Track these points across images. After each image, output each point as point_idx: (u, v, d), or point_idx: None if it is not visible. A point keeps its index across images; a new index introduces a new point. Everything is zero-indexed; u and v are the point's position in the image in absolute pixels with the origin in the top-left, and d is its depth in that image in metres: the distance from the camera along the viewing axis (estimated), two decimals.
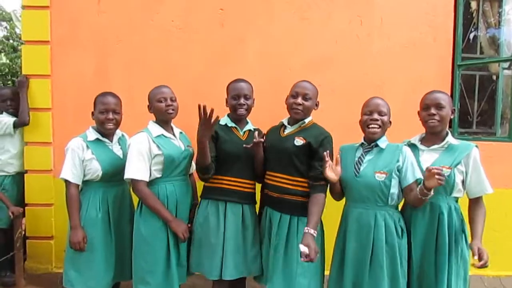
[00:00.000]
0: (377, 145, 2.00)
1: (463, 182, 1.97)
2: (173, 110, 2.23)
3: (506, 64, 3.43)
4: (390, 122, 2.04)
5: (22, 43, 3.24)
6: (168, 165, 2.16)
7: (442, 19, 3.17)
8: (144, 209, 2.16)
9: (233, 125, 2.27)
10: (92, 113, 2.29)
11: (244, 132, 2.29)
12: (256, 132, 2.20)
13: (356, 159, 2.03)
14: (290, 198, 2.11)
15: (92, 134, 2.27)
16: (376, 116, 1.98)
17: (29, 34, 3.12)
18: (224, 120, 2.29)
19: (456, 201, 2.02)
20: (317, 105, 2.21)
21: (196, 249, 2.23)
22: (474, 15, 3.48)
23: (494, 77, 3.50)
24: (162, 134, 2.21)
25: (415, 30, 3.16)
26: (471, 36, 3.50)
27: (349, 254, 1.98)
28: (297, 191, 2.10)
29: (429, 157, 2.01)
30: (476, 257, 1.80)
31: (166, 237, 2.15)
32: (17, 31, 9.78)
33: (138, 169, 2.11)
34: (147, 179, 2.14)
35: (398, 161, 1.93)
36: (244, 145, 2.15)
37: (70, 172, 2.17)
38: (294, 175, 2.11)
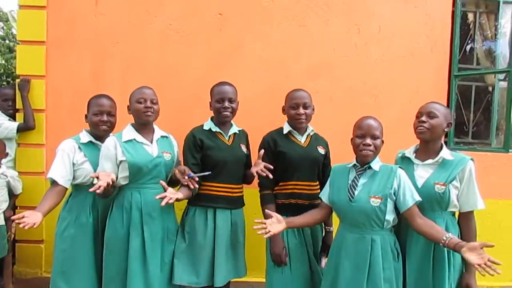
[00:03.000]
0: (370, 167, 1.93)
1: (458, 196, 1.94)
2: (151, 113, 2.11)
3: (502, 76, 3.46)
4: (383, 141, 1.97)
5: (18, 44, 3.21)
6: (133, 172, 2.05)
7: (439, 30, 3.20)
8: (112, 214, 2.11)
9: (218, 129, 2.23)
10: (86, 115, 2.23)
11: (229, 136, 2.27)
12: (262, 151, 2.16)
13: (350, 182, 1.95)
14: (314, 202, 2.19)
15: (85, 137, 2.20)
16: (368, 141, 1.89)
17: (24, 34, 3.10)
18: (208, 124, 2.24)
19: (453, 215, 1.99)
20: (313, 109, 2.25)
21: (181, 259, 2.16)
22: (471, 27, 3.52)
23: (490, 89, 3.53)
24: (134, 139, 2.11)
25: (413, 40, 3.18)
26: (468, 47, 3.53)
27: (344, 276, 1.90)
28: (317, 195, 2.19)
29: (424, 172, 1.96)
30: None
31: (126, 247, 2.05)
32: (14, 31, 9.72)
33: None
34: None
35: (393, 185, 1.87)
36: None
37: (58, 173, 2.08)
38: (316, 181, 2.25)
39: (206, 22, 3.11)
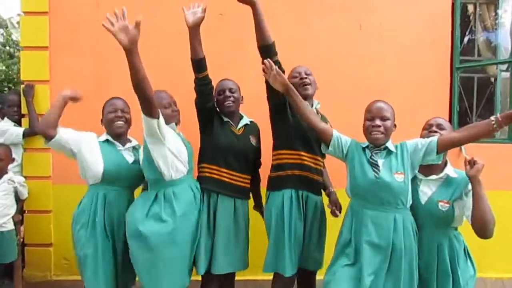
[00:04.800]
0: (386, 148, 1.94)
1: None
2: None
3: (504, 67, 3.46)
4: (395, 125, 1.97)
5: (18, 50, 3.23)
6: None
7: (440, 22, 3.20)
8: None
9: (227, 119, 2.30)
10: (101, 120, 2.26)
11: (240, 127, 2.31)
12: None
13: (369, 160, 1.93)
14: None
15: (103, 136, 2.24)
16: (378, 122, 1.89)
17: (28, 40, 3.11)
18: (224, 118, 2.33)
19: (456, 229, 1.98)
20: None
21: None
22: (471, 18, 3.51)
23: (492, 79, 3.53)
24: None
25: (414, 34, 3.18)
26: (468, 39, 3.53)
27: (365, 256, 1.86)
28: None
29: (427, 189, 1.95)
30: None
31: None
32: (14, 37, 9.76)
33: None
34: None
35: (409, 156, 1.90)
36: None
37: (65, 130, 2.19)
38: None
39: (208, 22, 3.10)
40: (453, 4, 3.22)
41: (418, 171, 1.98)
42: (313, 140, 2.19)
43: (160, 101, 2.13)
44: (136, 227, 1.98)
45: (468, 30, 3.53)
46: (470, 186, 1.80)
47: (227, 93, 2.26)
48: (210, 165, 2.22)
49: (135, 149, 2.33)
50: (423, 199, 1.93)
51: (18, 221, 2.82)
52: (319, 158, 2.25)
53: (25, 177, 3.05)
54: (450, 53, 3.23)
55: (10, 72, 8.90)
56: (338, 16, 3.15)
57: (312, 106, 2.26)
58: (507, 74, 3.19)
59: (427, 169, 1.97)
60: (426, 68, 3.18)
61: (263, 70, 2.04)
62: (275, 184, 2.21)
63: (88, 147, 2.15)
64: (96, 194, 2.14)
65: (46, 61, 3.09)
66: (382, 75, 3.15)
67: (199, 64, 2.14)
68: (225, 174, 2.21)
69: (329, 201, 2.32)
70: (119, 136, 2.24)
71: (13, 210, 2.78)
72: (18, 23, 9.51)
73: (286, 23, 3.14)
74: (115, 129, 2.20)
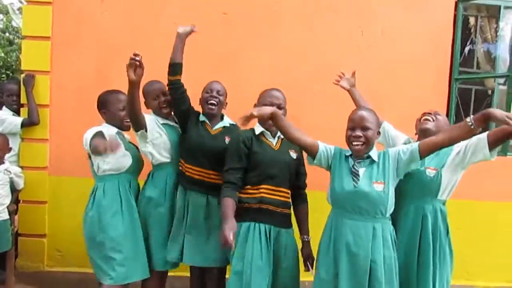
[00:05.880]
0: (369, 156, 1.92)
1: (451, 183, 1.96)
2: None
3: (501, 80, 3.50)
4: (379, 132, 1.95)
5: (18, 37, 3.23)
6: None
7: (441, 33, 3.23)
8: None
9: (204, 119, 2.36)
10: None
11: (216, 128, 2.36)
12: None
13: (351, 168, 1.91)
14: (284, 211, 2.14)
15: (110, 128, 2.31)
16: (358, 132, 1.86)
17: (30, 29, 3.10)
18: (201, 116, 2.38)
19: (443, 204, 2.01)
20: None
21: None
22: (472, 31, 3.55)
23: (490, 92, 3.57)
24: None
25: (415, 42, 3.21)
26: (468, 51, 3.57)
27: (343, 267, 1.86)
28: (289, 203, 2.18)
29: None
30: None
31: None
32: (14, 24, 9.67)
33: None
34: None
35: (390, 164, 1.89)
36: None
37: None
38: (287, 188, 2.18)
39: (211, 21, 3.13)
40: (455, 16, 3.26)
41: None
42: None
43: (149, 94, 2.39)
44: None
45: (469, 41, 3.57)
46: (457, 148, 1.90)
47: (214, 93, 2.32)
48: (184, 162, 2.31)
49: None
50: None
51: (13, 210, 2.82)
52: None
53: (21, 167, 3.05)
54: (450, 63, 3.27)
55: (8, 59, 8.83)
56: (341, 23, 3.17)
57: (277, 133, 2.19)
58: (504, 88, 3.22)
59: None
60: (426, 77, 3.22)
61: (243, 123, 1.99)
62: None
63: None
64: (123, 182, 2.29)
65: (48, 51, 3.08)
66: (382, 83, 3.17)
67: (175, 68, 2.27)
68: (195, 172, 2.28)
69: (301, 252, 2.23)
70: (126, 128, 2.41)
71: (8, 200, 2.78)
72: (19, 9, 9.43)
73: (290, 25, 3.16)
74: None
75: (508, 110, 3.02)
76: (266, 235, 2.03)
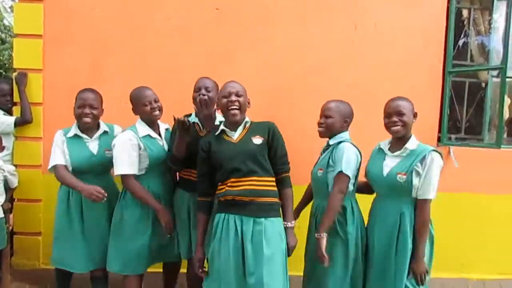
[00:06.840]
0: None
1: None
2: (159, 111, 2.39)
3: (495, 72, 3.50)
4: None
5: (10, 35, 3.21)
6: (152, 164, 2.35)
7: (434, 25, 3.23)
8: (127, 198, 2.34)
9: (196, 120, 2.37)
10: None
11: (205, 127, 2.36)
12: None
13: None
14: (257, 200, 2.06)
15: (73, 130, 2.44)
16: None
17: (21, 27, 3.08)
18: (192, 118, 2.41)
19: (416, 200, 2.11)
20: (248, 102, 2.19)
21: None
22: (465, 23, 3.55)
23: (483, 85, 3.57)
24: (149, 135, 2.38)
25: (408, 36, 3.21)
26: (462, 44, 3.56)
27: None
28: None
29: (390, 162, 2.14)
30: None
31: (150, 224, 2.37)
32: (6, 22, 9.57)
33: (126, 164, 2.25)
34: (136, 172, 2.29)
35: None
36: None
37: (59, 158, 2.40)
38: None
39: (205, 17, 3.11)
40: (448, 9, 3.26)
41: (387, 149, 2.18)
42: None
43: (138, 101, 2.36)
44: None
45: (462, 34, 3.56)
46: (427, 159, 2.01)
47: (203, 91, 2.31)
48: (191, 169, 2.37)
49: (102, 135, 2.54)
50: (385, 171, 2.12)
51: (8, 209, 2.81)
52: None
53: (15, 165, 3.05)
54: (443, 56, 3.27)
55: (1, 58, 8.75)
56: (334, 18, 3.16)
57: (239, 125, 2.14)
58: (498, 80, 3.22)
59: (394, 146, 2.17)
60: (419, 70, 3.22)
61: None
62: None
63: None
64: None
65: (40, 49, 3.06)
66: (375, 77, 3.18)
67: (176, 161, 2.32)
68: (185, 172, 2.41)
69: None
70: (87, 129, 2.48)
71: (2, 198, 2.77)
72: (10, 7, 9.33)
73: (283, 20, 3.15)
74: (83, 124, 2.42)
75: (501, 102, 3.03)
76: (235, 225, 2.01)
